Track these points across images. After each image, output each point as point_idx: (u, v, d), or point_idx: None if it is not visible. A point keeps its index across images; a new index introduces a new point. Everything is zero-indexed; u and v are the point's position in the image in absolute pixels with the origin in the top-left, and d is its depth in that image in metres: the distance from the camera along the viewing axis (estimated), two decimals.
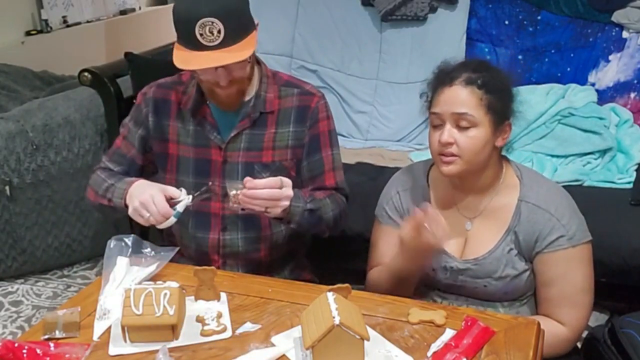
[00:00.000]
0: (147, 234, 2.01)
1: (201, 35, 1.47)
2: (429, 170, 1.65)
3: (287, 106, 1.69)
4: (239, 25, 1.52)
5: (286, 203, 1.52)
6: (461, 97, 1.45)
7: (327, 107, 1.73)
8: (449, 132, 1.45)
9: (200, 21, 1.46)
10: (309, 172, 1.72)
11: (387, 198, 1.68)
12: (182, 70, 1.64)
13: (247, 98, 1.68)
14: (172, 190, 1.55)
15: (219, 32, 1.47)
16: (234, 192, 1.50)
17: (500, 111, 1.47)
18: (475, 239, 1.56)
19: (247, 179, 1.50)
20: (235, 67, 1.55)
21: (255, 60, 1.69)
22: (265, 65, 1.73)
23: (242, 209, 1.55)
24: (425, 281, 1.65)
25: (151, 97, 1.74)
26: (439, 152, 1.48)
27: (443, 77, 1.49)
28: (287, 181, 1.53)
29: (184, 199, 1.55)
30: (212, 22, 1.46)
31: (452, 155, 1.46)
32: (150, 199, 1.52)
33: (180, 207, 1.54)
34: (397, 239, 1.66)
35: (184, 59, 1.51)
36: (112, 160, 1.77)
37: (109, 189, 1.66)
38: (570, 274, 1.50)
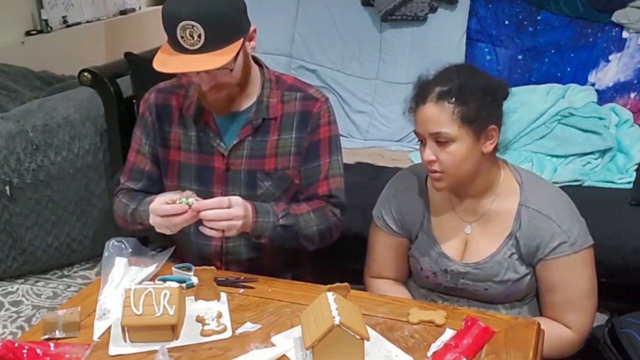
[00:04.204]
0: (146, 236, 2.00)
1: (182, 37, 1.44)
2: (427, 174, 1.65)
3: (290, 111, 1.65)
4: (222, 31, 1.46)
5: (238, 223, 1.49)
6: (434, 116, 1.44)
7: (329, 112, 1.69)
8: (429, 151, 1.46)
9: (182, 24, 1.43)
10: (305, 180, 1.69)
11: (384, 201, 1.67)
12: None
13: (249, 104, 1.64)
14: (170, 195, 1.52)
15: (199, 36, 1.43)
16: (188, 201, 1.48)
17: (479, 119, 1.44)
18: (476, 242, 1.56)
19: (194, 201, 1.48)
20: (219, 73, 1.50)
21: (255, 64, 1.65)
22: (267, 69, 1.68)
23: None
24: (426, 284, 1.65)
25: (152, 103, 1.69)
26: (427, 169, 1.50)
27: (418, 95, 1.49)
28: (236, 200, 1.50)
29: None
30: (193, 26, 1.43)
31: (437, 172, 1.47)
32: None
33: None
34: (392, 243, 1.66)
35: (163, 61, 1.48)
36: (130, 178, 1.73)
37: (134, 214, 1.63)
38: (573, 279, 1.50)
